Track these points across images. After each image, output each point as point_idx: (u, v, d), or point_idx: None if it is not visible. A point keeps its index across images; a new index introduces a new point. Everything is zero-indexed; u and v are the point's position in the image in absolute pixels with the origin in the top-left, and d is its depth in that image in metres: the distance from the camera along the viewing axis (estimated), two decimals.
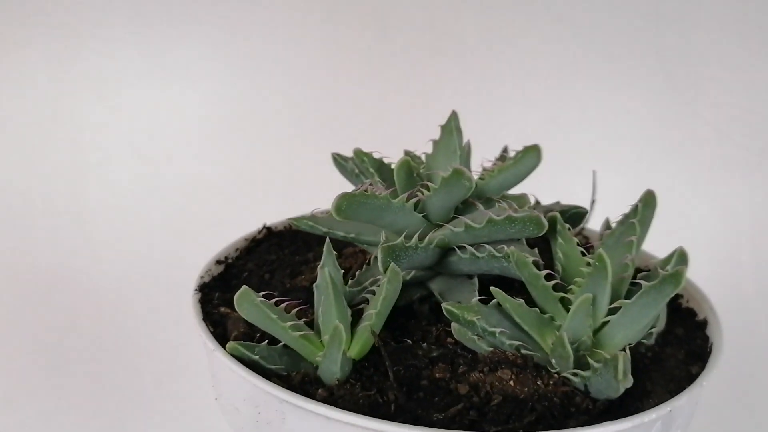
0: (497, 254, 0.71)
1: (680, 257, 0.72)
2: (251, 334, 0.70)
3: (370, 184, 0.73)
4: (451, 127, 0.80)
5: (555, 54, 1.45)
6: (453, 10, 1.43)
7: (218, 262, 0.86)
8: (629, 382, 0.59)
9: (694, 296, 0.84)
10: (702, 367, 0.69)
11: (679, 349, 0.73)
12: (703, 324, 0.78)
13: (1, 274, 1.14)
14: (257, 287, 0.81)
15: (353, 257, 0.88)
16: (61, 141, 1.35)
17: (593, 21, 1.47)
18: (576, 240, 0.72)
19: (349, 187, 0.84)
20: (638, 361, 0.69)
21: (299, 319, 0.68)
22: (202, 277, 0.81)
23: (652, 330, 0.71)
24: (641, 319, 0.66)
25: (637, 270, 0.90)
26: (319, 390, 0.62)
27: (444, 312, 0.67)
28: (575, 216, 0.81)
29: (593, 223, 1.00)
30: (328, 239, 0.74)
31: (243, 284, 0.82)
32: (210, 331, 0.70)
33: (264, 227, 0.94)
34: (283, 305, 0.67)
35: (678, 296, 0.86)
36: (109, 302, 1.08)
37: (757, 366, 1.10)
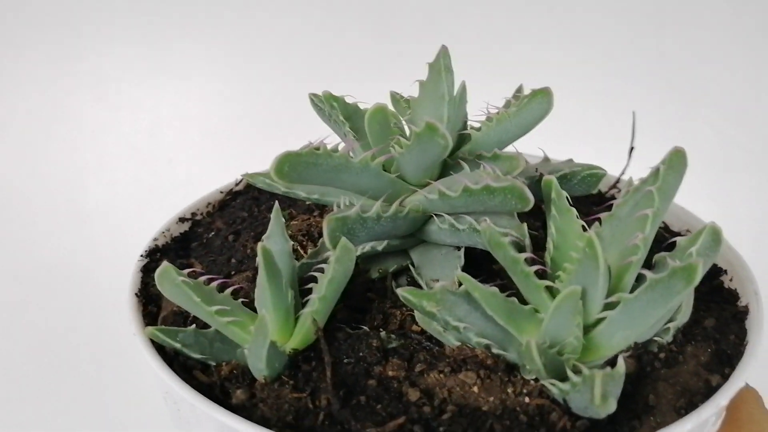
0: (479, 228, 0.59)
1: (712, 235, 0.57)
2: (186, 314, 0.61)
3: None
4: (440, 66, 0.66)
5: (554, 54, 1.36)
6: None
7: (181, 219, 0.77)
8: (609, 407, 0.47)
9: (739, 274, 0.68)
10: (727, 376, 0.55)
11: (705, 348, 0.59)
12: (743, 313, 0.63)
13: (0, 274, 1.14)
14: (219, 251, 0.73)
15: None
16: (61, 141, 1.35)
17: (594, 21, 1.41)
18: (574, 212, 0.58)
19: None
20: (646, 365, 0.56)
21: (239, 299, 0.59)
22: (155, 240, 0.72)
23: (669, 325, 0.57)
24: (645, 318, 0.52)
25: (673, 235, 0.76)
26: (238, 391, 0.53)
27: (400, 298, 0.56)
28: (590, 178, 0.66)
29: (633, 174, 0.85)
30: (276, 203, 0.63)
31: (205, 247, 0.74)
32: (141, 310, 0.62)
33: (243, 179, 0.84)
34: (215, 284, 0.57)
35: (720, 272, 0.70)
36: (109, 302, 1.05)
37: None
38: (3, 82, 1.40)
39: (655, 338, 0.57)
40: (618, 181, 0.86)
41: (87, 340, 1.04)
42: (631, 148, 0.87)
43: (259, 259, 0.55)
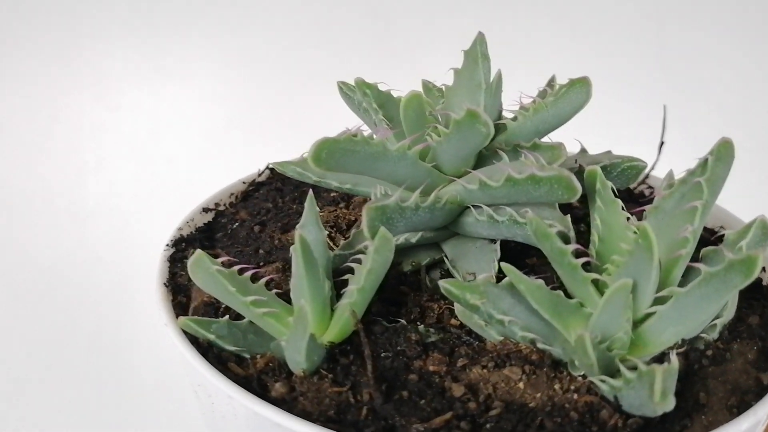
0: (520, 220, 0.57)
1: (762, 229, 0.55)
2: (218, 304, 0.59)
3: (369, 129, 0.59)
4: (476, 53, 0.64)
5: (554, 53, 1.36)
6: None
7: (205, 210, 0.75)
8: (669, 404, 0.45)
9: None
10: None
11: (751, 345, 0.57)
12: None
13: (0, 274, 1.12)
14: (245, 242, 0.71)
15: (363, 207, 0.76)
16: (61, 141, 1.34)
17: (594, 20, 1.40)
18: (620, 203, 0.56)
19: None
20: (693, 362, 0.54)
21: (271, 290, 0.57)
22: (180, 229, 0.70)
23: (716, 322, 0.56)
24: (697, 314, 0.51)
25: (711, 234, 0.74)
26: (277, 384, 0.51)
27: (441, 290, 0.54)
28: (630, 171, 0.65)
29: (660, 171, 0.84)
30: (311, 191, 0.61)
31: (230, 237, 0.73)
32: (170, 299, 0.60)
33: (266, 168, 0.83)
34: (249, 273, 0.55)
35: None
36: (109, 302, 1.04)
37: None
38: (3, 82, 1.39)
39: (702, 335, 0.56)
40: (647, 177, 0.84)
41: (85, 340, 1.03)
42: (661, 143, 0.86)
43: (296, 248, 0.53)
